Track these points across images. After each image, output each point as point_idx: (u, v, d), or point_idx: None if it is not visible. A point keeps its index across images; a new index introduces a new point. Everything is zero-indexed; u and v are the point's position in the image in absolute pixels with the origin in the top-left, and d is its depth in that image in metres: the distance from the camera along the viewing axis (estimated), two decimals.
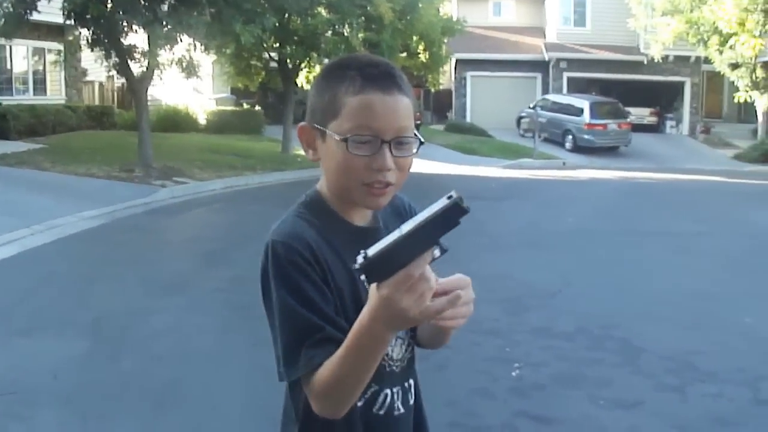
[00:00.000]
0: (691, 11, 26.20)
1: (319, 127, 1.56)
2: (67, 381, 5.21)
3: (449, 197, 1.23)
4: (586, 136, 27.22)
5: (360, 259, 1.25)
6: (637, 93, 32.29)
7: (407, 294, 1.27)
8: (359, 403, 1.60)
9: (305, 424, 1.62)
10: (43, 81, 23.53)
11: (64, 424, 4.54)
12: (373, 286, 1.30)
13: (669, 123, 33.40)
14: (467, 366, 5.53)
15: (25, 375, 5.29)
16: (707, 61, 28.94)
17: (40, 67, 23.34)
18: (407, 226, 1.23)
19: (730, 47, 25.58)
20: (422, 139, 1.57)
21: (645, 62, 31.18)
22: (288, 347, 1.48)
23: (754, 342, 6.42)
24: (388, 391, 1.65)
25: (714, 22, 25.32)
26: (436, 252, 1.26)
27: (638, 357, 5.98)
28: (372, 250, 1.24)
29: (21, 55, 22.55)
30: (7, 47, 21.25)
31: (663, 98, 33.74)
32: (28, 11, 15.09)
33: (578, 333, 6.56)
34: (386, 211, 1.69)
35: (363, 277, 1.26)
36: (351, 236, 1.60)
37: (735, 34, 25.04)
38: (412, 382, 1.73)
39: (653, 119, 33.45)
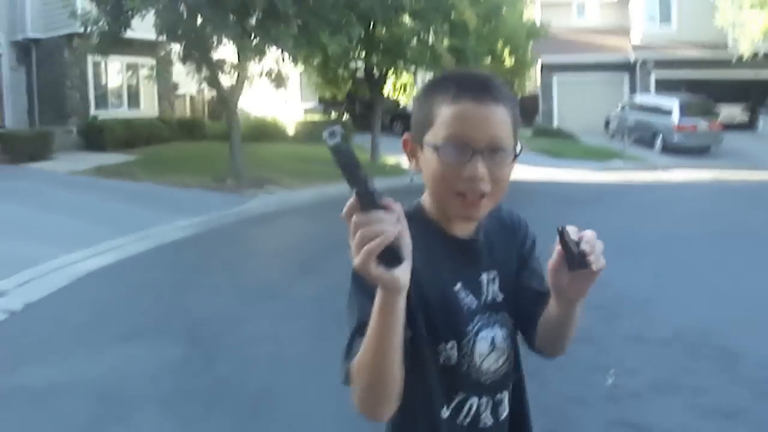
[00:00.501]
0: None
1: (417, 137, 1.59)
2: (164, 385, 5.36)
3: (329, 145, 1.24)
4: (675, 137, 26.57)
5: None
6: (728, 91, 31.36)
7: (353, 243, 1.29)
8: (445, 414, 1.61)
9: (394, 429, 1.64)
10: (137, 95, 24.27)
11: (160, 427, 4.66)
12: None
13: (762, 121, 32.35)
14: (562, 373, 5.46)
15: (123, 379, 5.46)
16: None
17: (134, 82, 24.10)
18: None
19: None
20: (519, 150, 1.56)
21: (734, 59, 30.33)
22: (348, 343, 1.48)
23: None
24: (475, 400, 1.65)
25: None
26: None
27: (736, 364, 5.81)
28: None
29: (116, 71, 23.34)
30: (103, 63, 22.00)
31: (754, 95, 32.74)
32: (122, 28, 15.56)
33: (674, 340, 6.43)
34: (492, 225, 1.70)
35: None
36: (449, 248, 1.63)
37: None
38: (505, 394, 1.72)
39: (745, 117, 32.50)
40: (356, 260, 1.27)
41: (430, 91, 1.58)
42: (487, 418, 1.67)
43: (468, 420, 1.65)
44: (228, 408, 5.00)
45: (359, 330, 1.45)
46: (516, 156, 1.55)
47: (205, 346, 6.28)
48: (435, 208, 1.62)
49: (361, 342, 1.41)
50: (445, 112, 1.52)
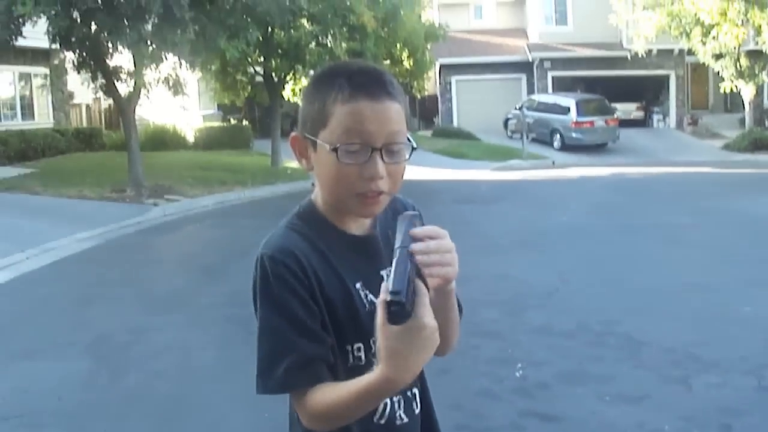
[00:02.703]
0: (672, 4, 26.23)
1: (309, 137, 1.54)
2: (71, 401, 5.20)
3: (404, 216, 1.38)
4: (574, 134, 27.25)
5: (393, 308, 1.24)
6: (623, 88, 32.36)
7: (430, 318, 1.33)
8: None
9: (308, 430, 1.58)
10: (31, 105, 23.55)
11: None
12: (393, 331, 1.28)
13: (656, 117, 33.46)
14: (470, 369, 5.53)
15: (28, 397, 5.28)
16: (690, 52, 29.01)
17: (27, 92, 23.37)
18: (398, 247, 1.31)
19: (713, 38, 25.66)
20: (414, 144, 1.54)
21: (629, 57, 31.27)
22: (265, 361, 1.49)
23: (754, 330, 6.45)
24: (388, 400, 1.61)
25: (696, 14, 25.35)
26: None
27: (640, 351, 5.99)
28: (394, 287, 1.24)
29: (7, 81, 22.59)
30: None
31: (649, 92, 33.86)
32: (12, 37, 15.03)
33: (579, 330, 6.58)
34: (385, 216, 1.65)
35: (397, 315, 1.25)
36: (347, 246, 1.59)
37: (717, 24, 25.10)
38: (416, 391, 1.70)
39: (640, 114, 33.57)
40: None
41: (321, 86, 1.54)
42: (401, 416, 1.64)
43: (384, 420, 1.62)
44: (137, 421, 4.90)
45: (286, 358, 1.46)
46: (413, 149, 1.54)
47: (112, 360, 6.13)
48: (329, 207, 1.59)
49: (307, 378, 1.46)
50: (340, 111, 1.48)
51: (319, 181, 1.57)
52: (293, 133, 1.59)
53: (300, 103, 1.61)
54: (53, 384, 5.52)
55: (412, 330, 1.28)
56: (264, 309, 1.49)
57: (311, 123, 1.53)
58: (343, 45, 19.62)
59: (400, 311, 1.22)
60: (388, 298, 1.23)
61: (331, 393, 1.42)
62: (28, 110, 23.37)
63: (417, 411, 1.69)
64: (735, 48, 25.75)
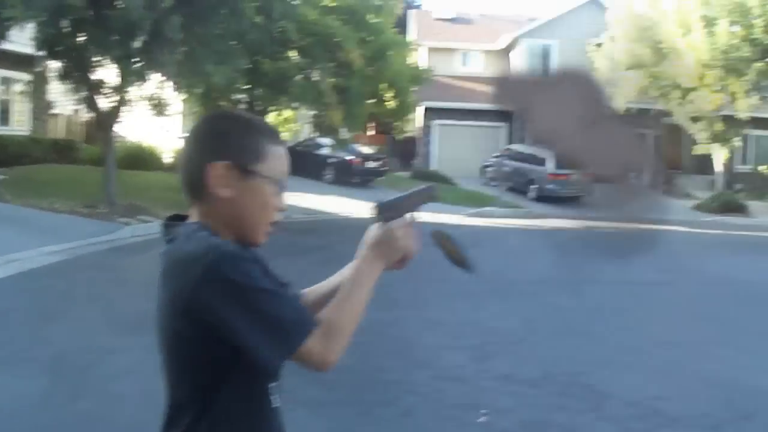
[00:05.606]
0: (655, 65, 26.72)
1: (247, 168, 1.69)
2: (25, 421, 5.09)
3: (429, 186, 1.93)
4: (549, 186, 27.40)
5: (377, 203, 1.78)
6: None
7: (405, 233, 1.78)
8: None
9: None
10: (8, 111, 23.29)
11: None
12: (377, 226, 1.78)
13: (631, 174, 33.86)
14: (434, 412, 5.49)
15: None
16: (667, 114, 29.49)
17: (6, 97, 23.12)
18: (409, 191, 1.87)
19: (690, 102, 26.12)
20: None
21: None
22: (293, 317, 1.61)
23: (716, 387, 6.52)
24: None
25: (675, 77, 25.84)
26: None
27: (603, 403, 5.99)
28: (386, 199, 1.80)
29: None
30: None
31: None
32: None
33: (543, 379, 6.56)
34: None
35: (376, 215, 1.78)
36: None
37: (695, 89, 25.57)
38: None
39: None
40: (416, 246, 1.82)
41: (251, 126, 1.75)
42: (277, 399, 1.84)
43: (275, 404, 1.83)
44: None
45: (295, 301, 1.69)
46: None
47: (70, 380, 6.02)
48: (225, 232, 1.72)
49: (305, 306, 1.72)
50: (275, 151, 1.72)
51: (239, 210, 1.71)
52: (223, 162, 1.69)
53: (212, 135, 1.76)
54: (6, 401, 5.40)
55: (386, 232, 1.76)
56: (259, 285, 1.60)
57: (246, 156, 1.70)
58: (329, 80, 19.72)
59: (377, 212, 1.78)
60: (377, 203, 1.78)
61: (334, 303, 1.68)
62: (4, 115, 23.11)
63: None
64: (711, 112, 26.24)
